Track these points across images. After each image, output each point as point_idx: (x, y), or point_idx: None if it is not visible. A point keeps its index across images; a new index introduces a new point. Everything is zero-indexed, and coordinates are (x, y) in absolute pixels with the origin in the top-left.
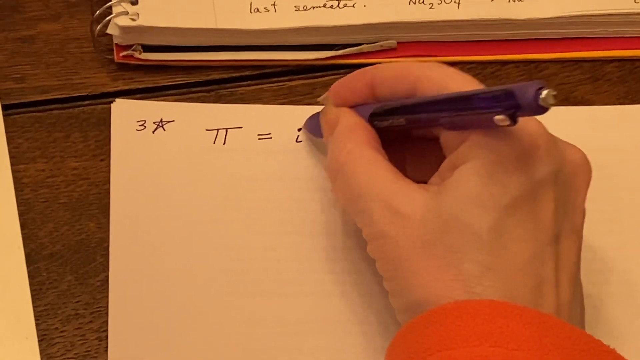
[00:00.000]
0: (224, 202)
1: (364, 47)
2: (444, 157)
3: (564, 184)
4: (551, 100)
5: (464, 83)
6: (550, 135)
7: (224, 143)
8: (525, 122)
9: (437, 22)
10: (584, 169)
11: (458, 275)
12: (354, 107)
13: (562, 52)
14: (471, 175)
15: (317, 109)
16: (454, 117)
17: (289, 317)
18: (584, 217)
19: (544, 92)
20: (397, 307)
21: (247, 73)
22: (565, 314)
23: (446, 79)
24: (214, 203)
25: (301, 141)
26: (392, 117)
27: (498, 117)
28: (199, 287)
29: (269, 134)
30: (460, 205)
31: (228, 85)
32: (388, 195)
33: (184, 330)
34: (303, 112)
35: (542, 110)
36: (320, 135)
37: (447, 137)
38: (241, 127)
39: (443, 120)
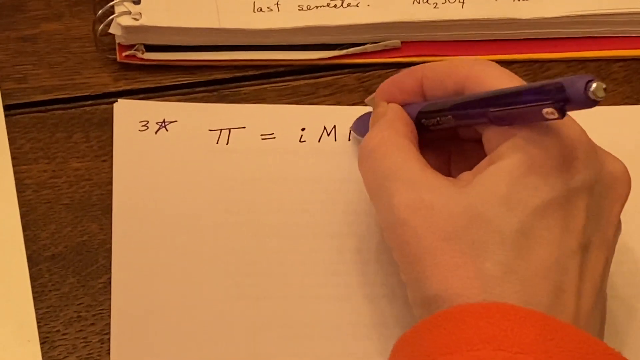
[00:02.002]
0: (227, 203)
1: (368, 47)
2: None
3: (599, 194)
4: (601, 94)
5: (511, 80)
6: (592, 144)
7: (227, 143)
8: (567, 129)
9: (442, 21)
10: (623, 181)
11: (478, 273)
12: (403, 105)
13: (567, 51)
14: (503, 174)
15: (320, 108)
16: (502, 111)
17: (293, 320)
18: (617, 231)
19: (594, 85)
20: (413, 300)
21: (250, 73)
22: (583, 324)
23: (494, 77)
24: (217, 204)
25: (305, 141)
26: (440, 114)
27: (547, 110)
28: (202, 290)
29: (273, 134)
30: (486, 203)
31: (231, 85)
32: (414, 181)
33: (187, 333)
34: (306, 112)
35: (592, 103)
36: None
37: (489, 136)
38: (244, 127)
39: (491, 114)
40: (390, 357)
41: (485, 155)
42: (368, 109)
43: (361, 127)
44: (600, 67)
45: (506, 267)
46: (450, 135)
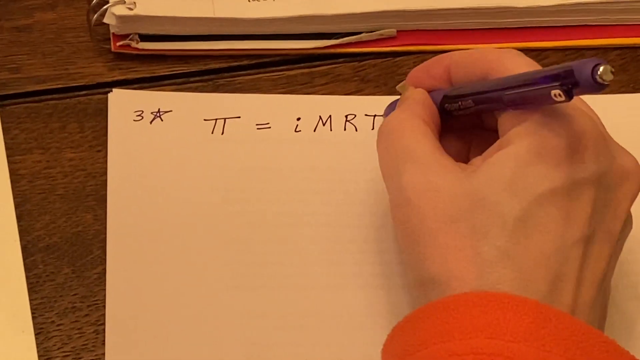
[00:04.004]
0: (223, 193)
1: (364, 36)
2: None
3: (607, 187)
4: (608, 77)
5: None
6: (604, 136)
7: (222, 133)
8: (579, 118)
9: (437, 10)
10: (634, 177)
11: (476, 257)
12: (430, 92)
13: (564, 40)
14: (510, 160)
15: (315, 98)
16: (515, 94)
17: (289, 310)
18: (626, 227)
19: (601, 68)
20: (411, 281)
21: (245, 62)
22: (583, 314)
23: (518, 65)
24: (213, 194)
25: (300, 131)
26: (461, 98)
27: (554, 92)
28: (197, 280)
29: (268, 123)
30: (490, 187)
31: (226, 74)
32: (424, 163)
33: (182, 323)
34: (302, 102)
35: (599, 86)
36: None
37: (502, 121)
38: (239, 117)
39: (505, 97)
40: (385, 346)
41: None
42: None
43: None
44: (596, 56)
45: (504, 252)
46: (473, 124)
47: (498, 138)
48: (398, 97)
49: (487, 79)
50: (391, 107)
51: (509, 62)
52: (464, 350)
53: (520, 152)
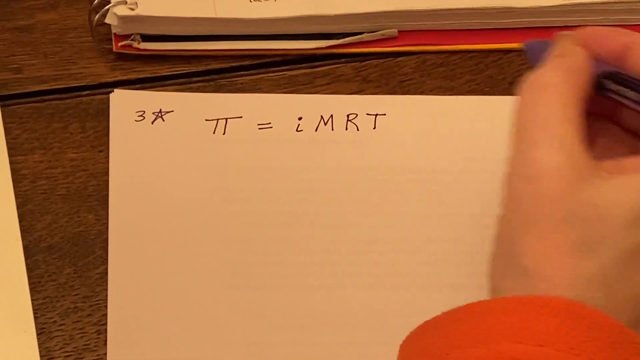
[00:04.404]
0: (224, 193)
1: (365, 36)
2: (632, 152)
3: None
4: None
5: None
6: None
7: (224, 133)
8: None
9: (439, 10)
10: None
11: (575, 268)
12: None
13: None
14: None
15: (316, 97)
16: None
17: (290, 309)
18: None
19: None
20: (499, 267)
21: (247, 62)
22: None
23: None
24: (214, 193)
25: (302, 130)
26: (637, 90)
27: None
28: (198, 280)
29: (269, 123)
30: (620, 208)
31: (228, 75)
32: (565, 147)
33: (184, 323)
34: (303, 101)
35: None
36: (535, 63)
37: None
38: (241, 117)
39: None
40: (404, 345)
41: (632, 149)
42: None
43: (535, 49)
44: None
45: (604, 276)
46: (608, 115)
47: (629, 142)
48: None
49: None
50: (537, 45)
51: None
52: (490, 355)
53: None
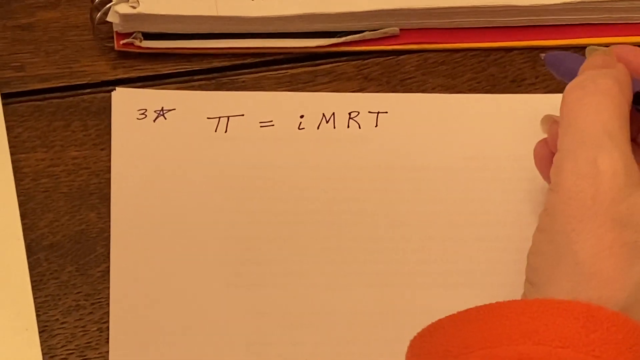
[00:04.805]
0: (226, 191)
1: (366, 34)
2: None
3: None
4: None
5: None
6: None
7: (226, 131)
8: None
9: (440, 8)
10: None
11: (627, 272)
12: None
13: (566, 38)
14: None
15: (318, 95)
16: None
17: (291, 308)
18: None
19: None
20: (545, 258)
21: (248, 61)
22: None
23: None
24: (216, 192)
25: (303, 128)
26: None
27: None
28: (200, 278)
29: (271, 121)
30: None
31: (229, 73)
32: (624, 151)
33: (185, 321)
34: (305, 99)
35: None
36: (562, 76)
37: None
38: (243, 115)
39: None
40: (416, 341)
41: None
42: None
43: (557, 60)
44: None
45: None
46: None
47: None
48: None
49: None
50: (561, 57)
51: None
52: (510, 356)
53: None
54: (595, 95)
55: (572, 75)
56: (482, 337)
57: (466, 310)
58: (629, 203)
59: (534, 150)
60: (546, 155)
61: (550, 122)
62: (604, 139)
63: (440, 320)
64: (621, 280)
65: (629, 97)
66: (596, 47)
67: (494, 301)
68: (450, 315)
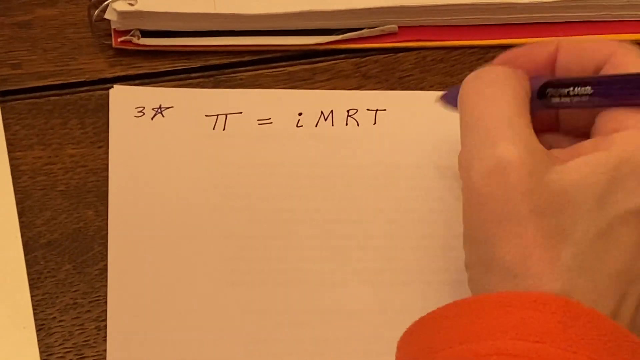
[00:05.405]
0: (224, 189)
1: (365, 32)
2: None
3: None
4: None
5: None
6: None
7: (224, 129)
8: None
9: (439, 6)
10: None
11: (556, 260)
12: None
13: (566, 35)
14: (607, 168)
15: (316, 93)
16: None
17: (289, 306)
18: None
19: None
20: (473, 259)
21: (246, 58)
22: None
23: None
24: (214, 189)
25: (302, 126)
26: (578, 82)
27: None
28: (198, 276)
29: (269, 119)
30: (583, 194)
31: (227, 70)
32: (523, 139)
33: (183, 319)
34: (303, 97)
35: None
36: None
37: (607, 118)
38: (241, 113)
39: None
40: (401, 343)
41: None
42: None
43: (454, 97)
44: None
45: (582, 261)
46: (549, 128)
47: (574, 141)
48: None
49: (598, 71)
50: (456, 91)
51: (629, 57)
52: (488, 351)
53: (620, 161)
54: (493, 86)
55: None
56: (460, 333)
57: (446, 306)
58: (541, 190)
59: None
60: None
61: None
62: (505, 130)
63: (421, 317)
64: (554, 271)
65: (525, 81)
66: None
67: None
68: (430, 312)
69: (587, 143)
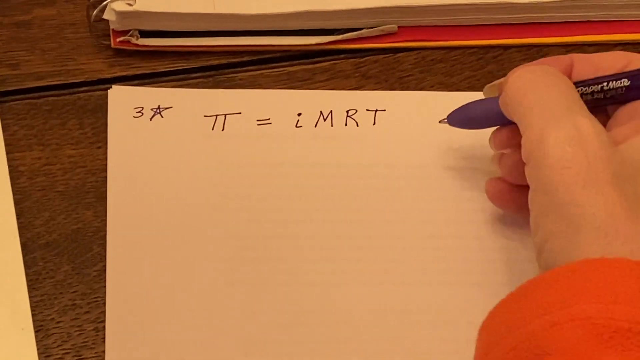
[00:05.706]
0: (223, 189)
1: (364, 32)
2: None
3: None
4: None
5: None
6: None
7: (223, 129)
8: None
9: (439, 6)
10: None
11: (638, 225)
12: None
13: (565, 36)
14: None
15: (316, 93)
16: None
17: (289, 306)
18: None
19: None
20: (558, 231)
21: (246, 59)
22: None
23: None
24: (213, 190)
25: (301, 126)
26: (612, 78)
27: None
28: (197, 277)
29: (269, 119)
30: None
31: (227, 71)
32: (589, 115)
33: (182, 320)
34: (303, 97)
35: None
36: (470, 127)
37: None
38: (240, 113)
39: None
40: (485, 325)
41: None
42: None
43: (462, 117)
44: (598, 51)
45: None
46: None
47: None
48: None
49: None
50: (464, 110)
51: None
52: (564, 319)
53: None
54: (548, 76)
55: (482, 119)
56: (537, 306)
57: (521, 286)
58: (618, 159)
59: (487, 188)
60: (504, 189)
61: (499, 157)
62: (573, 107)
63: (502, 300)
64: (635, 232)
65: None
66: (492, 84)
67: (494, 300)
68: (509, 295)
69: (630, 126)
